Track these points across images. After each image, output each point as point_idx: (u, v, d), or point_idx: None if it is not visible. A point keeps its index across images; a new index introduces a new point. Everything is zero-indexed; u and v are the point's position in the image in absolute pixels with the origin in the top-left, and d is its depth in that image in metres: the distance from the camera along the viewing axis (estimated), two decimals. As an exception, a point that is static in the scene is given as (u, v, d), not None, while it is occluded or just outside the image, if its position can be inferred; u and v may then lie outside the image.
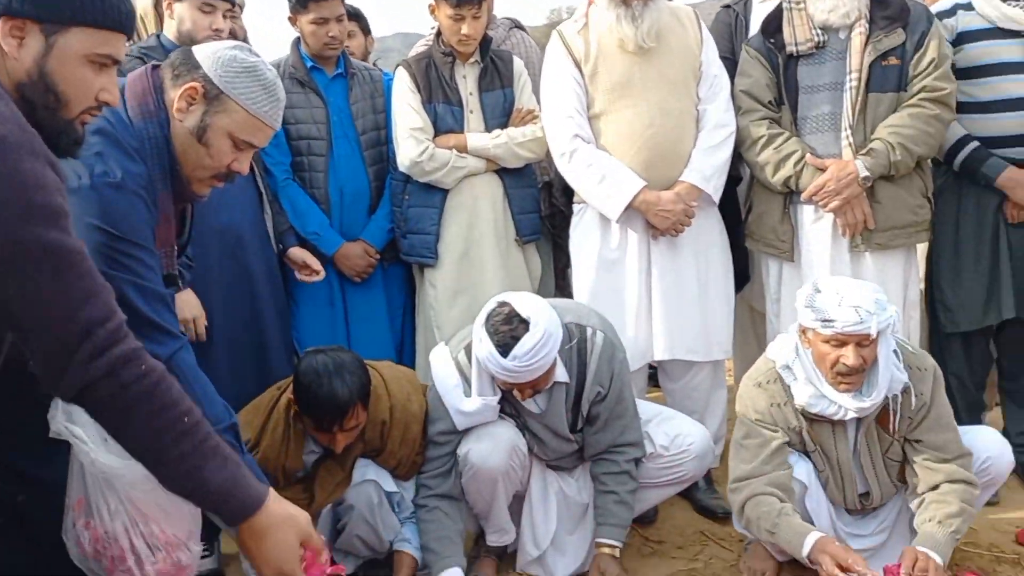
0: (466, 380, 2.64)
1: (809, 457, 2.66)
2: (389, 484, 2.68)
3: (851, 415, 2.51)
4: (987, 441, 2.64)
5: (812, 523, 2.59)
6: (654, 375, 3.52)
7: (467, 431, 2.68)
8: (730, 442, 2.74)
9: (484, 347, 2.47)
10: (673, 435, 2.80)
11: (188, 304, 2.62)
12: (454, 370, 2.65)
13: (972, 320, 3.14)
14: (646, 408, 2.93)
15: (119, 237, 1.73)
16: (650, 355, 3.15)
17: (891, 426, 2.56)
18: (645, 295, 3.12)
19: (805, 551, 2.42)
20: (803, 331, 2.54)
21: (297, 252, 3.13)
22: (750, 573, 2.80)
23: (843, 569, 2.31)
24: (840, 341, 2.42)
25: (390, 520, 2.68)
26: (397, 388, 2.63)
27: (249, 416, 2.57)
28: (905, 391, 2.52)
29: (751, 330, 3.73)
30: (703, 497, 3.23)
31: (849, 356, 2.41)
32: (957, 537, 2.43)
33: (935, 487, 2.51)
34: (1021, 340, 3.18)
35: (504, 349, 2.42)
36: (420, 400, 2.68)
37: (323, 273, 3.08)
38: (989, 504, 3.00)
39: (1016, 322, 3.13)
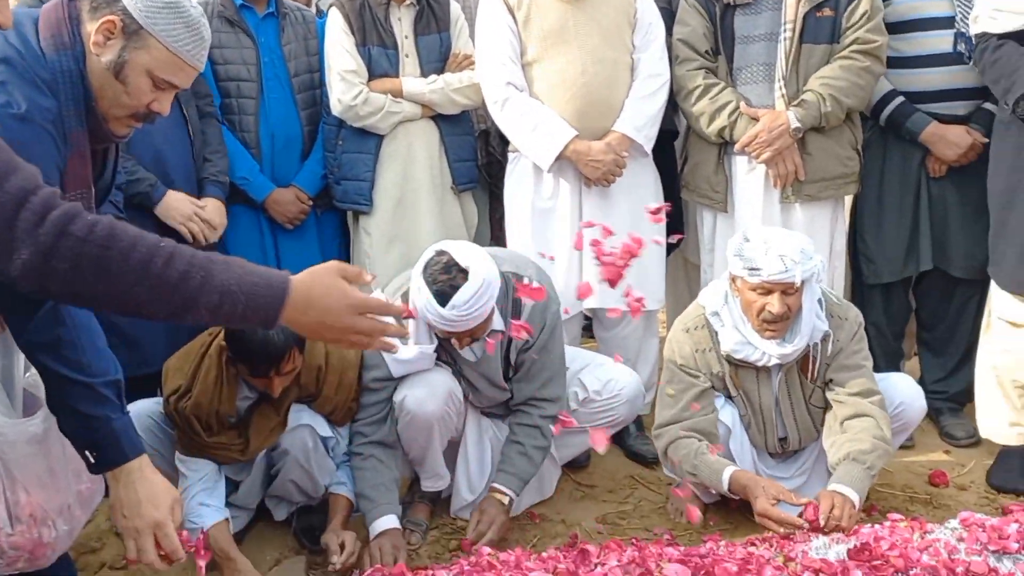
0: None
1: (732, 401, 2.74)
2: (324, 429, 2.66)
3: (774, 361, 2.58)
4: (900, 388, 2.74)
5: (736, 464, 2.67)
6: (589, 326, 3.55)
7: (403, 378, 2.67)
8: (657, 388, 2.80)
9: (422, 296, 2.46)
10: (605, 380, 2.84)
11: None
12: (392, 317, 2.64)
13: (892, 271, 3.25)
14: (579, 355, 2.96)
15: None
16: (582, 303, 3.18)
17: (811, 373, 2.64)
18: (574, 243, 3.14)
19: (724, 486, 2.53)
20: (732, 279, 2.60)
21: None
22: (677, 514, 2.89)
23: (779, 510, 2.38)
24: (766, 289, 2.48)
25: (325, 464, 2.68)
26: None
27: (179, 363, 2.53)
28: (825, 339, 2.61)
29: (684, 283, 3.80)
30: (634, 443, 3.29)
31: (775, 304, 2.47)
32: (872, 473, 2.53)
33: (845, 420, 2.59)
34: (939, 291, 3.29)
35: (443, 298, 2.42)
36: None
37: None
38: (905, 448, 3.13)
39: (934, 274, 3.25)
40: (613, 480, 3.17)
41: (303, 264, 3.28)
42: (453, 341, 2.57)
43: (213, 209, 3.01)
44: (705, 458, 2.58)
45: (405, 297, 2.61)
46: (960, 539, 1.97)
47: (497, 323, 2.63)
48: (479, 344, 2.67)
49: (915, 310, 3.45)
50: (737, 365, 2.67)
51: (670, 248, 3.46)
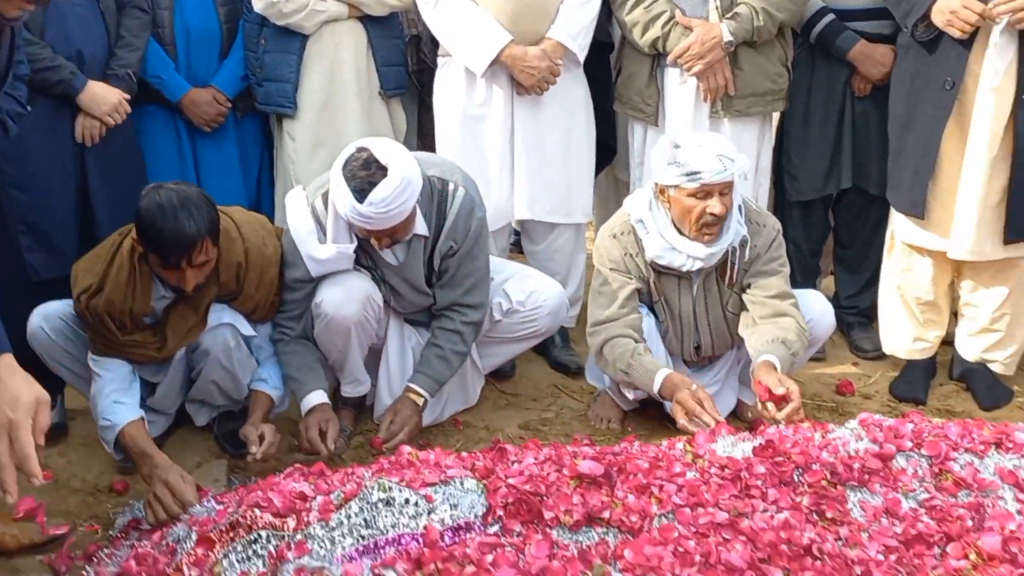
0: (321, 227, 2.59)
1: (651, 309, 2.79)
2: (246, 328, 2.63)
3: (697, 265, 2.63)
4: (811, 303, 2.81)
5: None
6: (519, 242, 3.56)
7: (321, 279, 2.64)
8: (589, 292, 2.82)
9: (340, 192, 2.42)
10: (529, 291, 2.86)
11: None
12: (309, 216, 2.59)
13: (814, 188, 3.31)
14: (505, 266, 2.97)
15: None
16: (511, 214, 3.17)
17: (728, 277, 2.70)
18: (508, 153, 3.11)
19: (656, 387, 2.58)
20: (661, 190, 2.61)
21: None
22: (597, 420, 2.97)
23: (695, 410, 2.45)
24: (706, 192, 2.51)
25: (248, 364, 2.66)
26: (250, 231, 2.55)
27: (90, 263, 2.46)
28: (743, 244, 2.66)
29: (615, 200, 3.80)
30: (559, 354, 3.35)
31: (715, 205, 2.51)
32: (795, 360, 2.57)
33: (762, 319, 2.64)
34: (856, 210, 3.38)
35: (360, 195, 2.38)
36: (275, 244, 2.62)
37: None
38: (816, 360, 3.26)
39: (853, 192, 3.33)
40: (537, 389, 3.24)
41: (223, 168, 3.28)
42: (372, 241, 2.54)
43: None
44: (642, 359, 2.62)
45: (325, 197, 2.56)
46: (858, 438, 2.06)
47: (420, 227, 2.61)
48: (401, 247, 2.65)
49: (833, 228, 3.54)
50: (660, 272, 2.71)
51: (600, 165, 3.47)
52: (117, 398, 2.44)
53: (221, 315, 2.58)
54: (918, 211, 2.88)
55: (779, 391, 2.38)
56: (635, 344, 2.66)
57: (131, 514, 2.38)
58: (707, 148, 2.49)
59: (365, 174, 2.39)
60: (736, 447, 2.09)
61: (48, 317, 2.53)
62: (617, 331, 2.67)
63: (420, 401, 2.70)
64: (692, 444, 2.13)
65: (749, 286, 2.71)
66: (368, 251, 2.66)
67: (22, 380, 1.59)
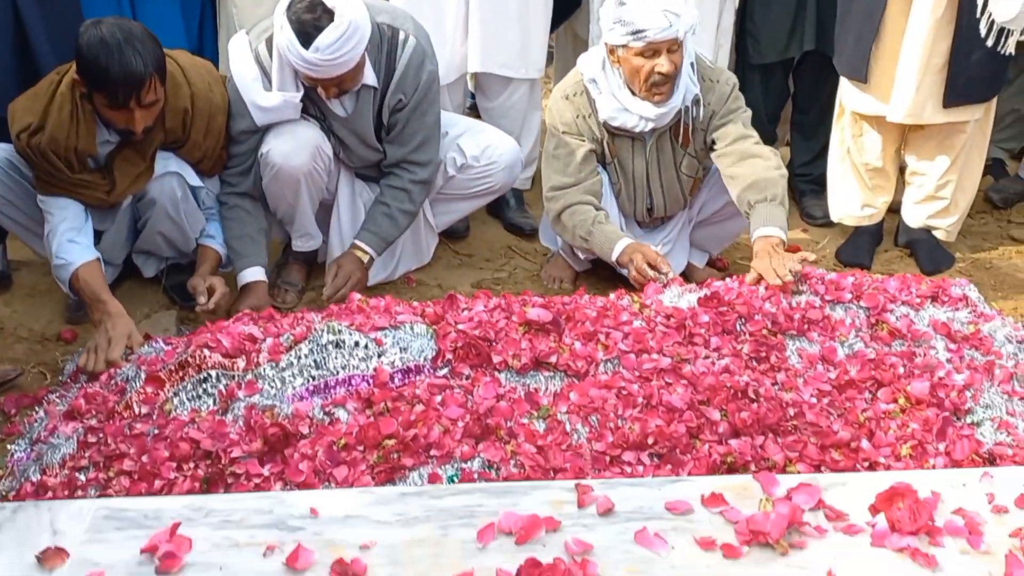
0: (266, 74, 2.50)
1: (605, 169, 2.78)
2: (194, 178, 2.57)
3: (650, 125, 2.61)
4: None
5: None
6: (475, 106, 3.48)
7: (269, 130, 2.57)
8: (543, 156, 2.79)
9: (284, 36, 2.32)
10: (484, 146, 2.82)
11: None
12: (252, 62, 2.50)
13: (776, 51, 3.27)
14: (459, 121, 2.91)
15: None
16: (464, 66, 3.09)
17: (683, 137, 2.69)
18: (463, 3, 3.00)
19: (615, 255, 2.59)
20: (611, 50, 2.55)
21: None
22: (549, 280, 3.00)
23: (650, 267, 2.47)
24: (653, 50, 2.46)
25: (195, 215, 2.61)
26: (197, 77, 2.46)
27: (28, 102, 2.34)
28: (696, 102, 2.63)
29: (572, 59, 3.71)
30: (513, 215, 3.34)
31: (663, 64, 2.46)
32: (783, 204, 2.49)
33: (734, 165, 2.57)
34: (816, 73, 3.35)
35: (305, 39, 2.28)
36: (222, 92, 2.53)
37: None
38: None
39: (814, 56, 3.29)
40: (491, 250, 3.24)
41: (161, 14, 3.11)
42: (320, 91, 2.46)
43: None
44: (602, 227, 2.62)
45: (270, 43, 2.46)
46: (800, 291, 2.12)
47: (369, 78, 2.53)
48: (349, 98, 2.58)
49: (792, 95, 3.52)
50: (613, 133, 2.68)
51: (557, 20, 3.36)
52: (72, 237, 2.38)
53: (168, 163, 2.51)
54: (860, 75, 2.87)
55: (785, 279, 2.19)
56: (595, 212, 2.65)
57: (78, 361, 2.38)
58: (651, 4, 2.41)
59: (310, 17, 2.28)
60: (682, 298, 2.13)
61: None
62: (577, 198, 2.65)
63: (365, 258, 2.67)
64: (640, 295, 2.17)
65: (713, 145, 2.66)
66: (316, 101, 2.58)
67: None
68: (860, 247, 3.21)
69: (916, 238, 3.19)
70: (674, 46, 2.47)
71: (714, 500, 1.42)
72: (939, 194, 3.05)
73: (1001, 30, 2.67)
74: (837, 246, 3.28)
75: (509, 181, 2.93)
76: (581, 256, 2.85)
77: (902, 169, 3.21)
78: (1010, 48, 2.76)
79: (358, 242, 2.68)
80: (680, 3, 2.45)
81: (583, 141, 2.68)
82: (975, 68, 2.77)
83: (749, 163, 2.55)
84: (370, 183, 2.87)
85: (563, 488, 1.47)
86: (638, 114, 2.58)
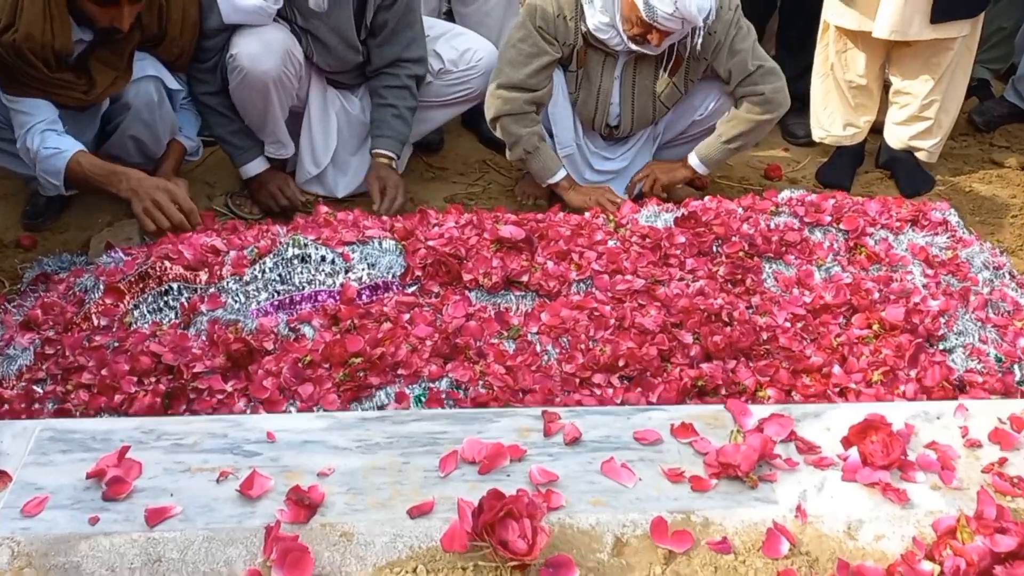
0: None
1: (566, 75, 2.65)
2: (172, 82, 2.47)
3: (628, 49, 2.51)
4: None
5: (552, 128, 2.70)
6: (451, 12, 3.32)
7: (236, 30, 2.45)
8: (504, 41, 2.64)
9: None
10: (462, 50, 2.71)
11: None
12: None
13: (763, -42, 3.15)
14: (435, 24, 2.79)
15: None
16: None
17: (671, 65, 2.58)
18: None
19: (553, 180, 2.61)
20: None
21: None
22: (523, 197, 2.93)
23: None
24: (651, 27, 2.37)
25: (169, 119, 2.51)
26: None
27: (-2, -1, 2.20)
28: (694, 32, 2.51)
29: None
30: (489, 128, 3.24)
31: (655, 39, 2.39)
32: (731, 148, 2.61)
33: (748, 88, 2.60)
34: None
35: None
36: None
37: None
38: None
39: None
40: (465, 164, 3.16)
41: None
42: None
43: None
44: (545, 148, 2.59)
45: None
46: (779, 213, 2.08)
47: None
48: None
49: (779, 7, 3.41)
50: (588, 43, 2.58)
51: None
52: (55, 129, 2.28)
53: (144, 66, 2.40)
54: None
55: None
56: (535, 128, 2.60)
57: (39, 268, 2.31)
58: (678, 8, 2.30)
59: None
60: (659, 217, 2.08)
61: None
62: (520, 108, 2.57)
63: (393, 164, 2.64)
64: (616, 214, 2.12)
65: (726, 70, 2.58)
66: (290, 4, 2.45)
67: None
68: (840, 168, 3.16)
69: (897, 159, 3.14)
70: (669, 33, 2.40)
71: (684, 430, 1.39)
72: (923, 114, 2.99)
73: (991, -58, 2.58)
74: (817, 166, 3.24)
75: (486, 87, 2.82)
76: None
77: (886, 87, 3.14)
78: (999, -40, 2.69)
79: (380, 150, 2.65)
80: (699, 7, 2.34)
81: (551, 48, 2.55)
82: (963, -17, 2.69)
83: (751, 106, 2.61)
84: (342, 90, 2.76)
85: (529, 415, 1.43)
86: (623, 38, 2.48)
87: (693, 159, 2.60)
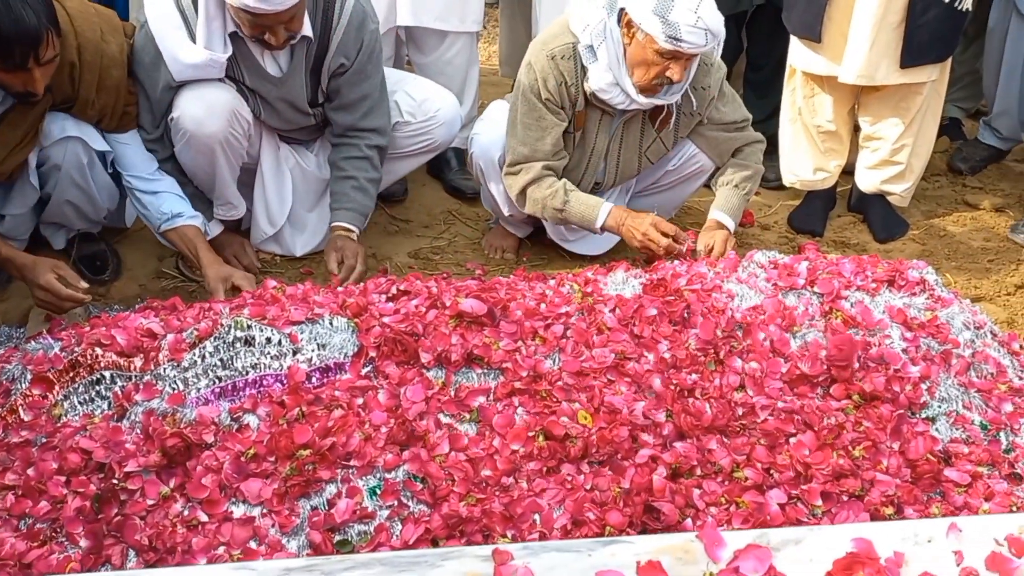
0: (188, 25, 2.26)
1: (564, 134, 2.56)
2: (98, 142, 2.33)
3: (633, 107, 2.43)
4: None
5: None
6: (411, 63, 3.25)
7: (179, 90, 2.34)
8: (509, 123, 2.53)
9: None
10: (420, 100, 2.62)
11: None
12: (173, 10, 2.25)
13: (727, 4, 3.06)
14: (391, 74, 2.68)
15: None
16: (394, 18, 2.86)
17: (659, 122, 2.52)
18: None
19: (600, 221, 2.46)
20: (628, 23, 2.31)
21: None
22: (491, 249, 2.84)
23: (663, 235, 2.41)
24: (674, 56, 2.27)
25: (103, 181, 2.39)
26: (86, 24, 2.20)
27: None
28: (692, 90, 2.47)
29: (517, 7, 3.50)
30: (454, 177, 3.15)
31: (676, 72, 2.29)
32: (747, 197, 2.62)
33: (736, 152, 2.64)
34: (769, 28, 3.19)
35: None
36: (120, 41, 2.27)
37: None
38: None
39: (767, 11, 3.13)
40: (430, 215, 3.06)
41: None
42: (268, 37, 2.23)
43: None
44: (577, 195, 2.47)
45: None
46: (752, 275, 1.98)
47: (307, 28, 2.31)
48: (284, 54, 2.36)
49: (745, 49, 3.36)
50: (588, 103, 2.48)
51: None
52: None
53: (64, 126, 2.27)
54: (814, 34, 2.73)
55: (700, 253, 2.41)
56: (563, 181, 2.48)
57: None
58: (700, 17, 2.21)
59: None
60: (627, 284, 1.98)
61: None
62: (540, 172, 2.47)
63: (354, 236, 2.49)
64: (584, 283, 2.01)
65: (716, 123, 2.59)
66: (240, 62, 2.35)
67: None
68: (812, 213, 3.09)
69: (869, 202, 3.09)
70: (693, 58, 2.32)
71: (651, 569, 1.23)
72: (894, 158, 2.93)
73: (959, -15, 2.54)
74: (789, 208, 3.17)
75: (448, 138, 2.74)
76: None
77: (856, 128, 3.09)
78: (967, 4, 2.64)
79: (341, 223, 2.49)
80: (721, 23, 2.27)
81: (559, 117, 2.46)
82: (933, 26, 2.65)
83: (749, 152, 2.65)
84: (295, 146, 2.66)
85: (477, 556, 1.26)
86: (629, 95, 2.38)
87: (726, 219, 2.54)
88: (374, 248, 2.83)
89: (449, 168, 3.16)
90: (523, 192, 2.51)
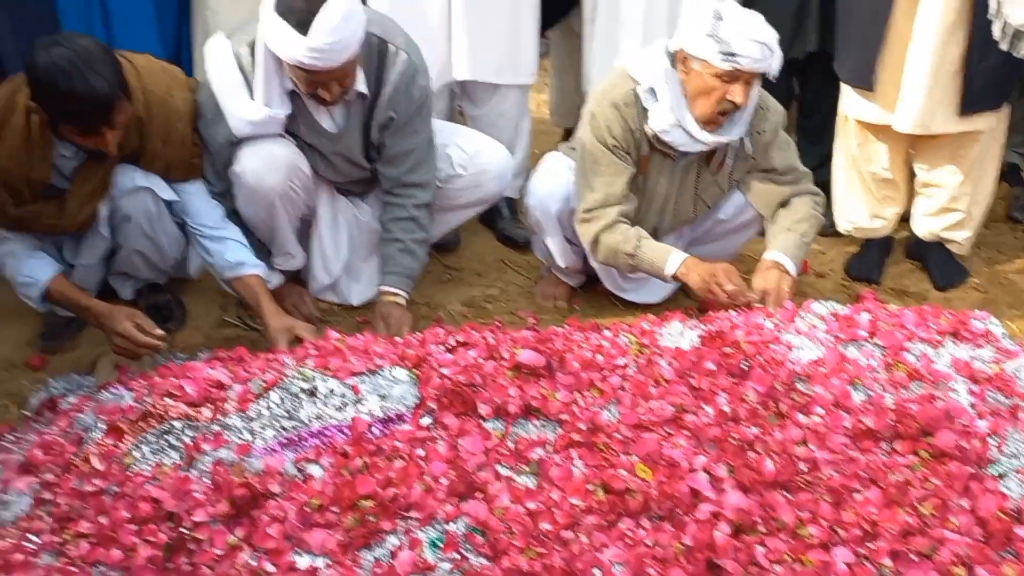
0: (248, 83, 2.34)
1: None
2: (166, 192, 2.40)
3: (696, 148, 2.43)
4: None
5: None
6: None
7: (240, 145, 2.41)
8: (577, 169, 2.55)
9: (279, 34, 2.15)
10: (472, 153, 2.65)
11: None
12: (235, 68, 2.33)
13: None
14: (443, 128, 2.73)
15: None
16: (449, 74, 2.92)
17: (714, 164, 2.52)
18: (445, 5, 2.83)
19: (670, 269, 2.42)
20: (684, 59, 2.34)
21: None
22: (544, 298, 2.85)
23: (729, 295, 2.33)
24: (734, 77, 2.27)
25: (171, 231, 2.45)
26: (153, 81, 2.28)
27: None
28: (749, 134, 2.47)
29: (567, 55, 3.55)
30: (506, 226, 3.19)
31: (737, 94, 2.27)
32: (806, 241, 2.53)
33: (784, 204, 2.57)
34: (821, 76, 3.17)
35: (303, 28, 2.12)
36: (185, 97, 2.36)
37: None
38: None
39: (819, 57, 3.13)
40: (482, 264, 3.10)
41: (132, 18, 2.93)
42: (321, 92, 2.29)
43: None
44: (648, 242, 2.45)
45: (252, 47, 2.29)
46: (811, 327, 1.97)
47: (360, 84, 2.37)
48: (340, 110, 2.42)
49: (797, 96, 3.36)
50: (652, 148, 2.48)
51: (549, 20, 3.19)
52: (30, 254, 2.29)
53: (134, 177, 2.34)
54: (866, 83, 2.72)
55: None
56: (635, 229, 2.47)
57: (46, 392, 2.24)
58: (752, 31, 2.22)
59: (303, 5, 2.13)
60: (683, 336, 1.98)
61: None
62: (614, 218, 2.46)
63: (401, 302, 2.51)
64: (640, 333, 2.02)
65: (771, 171, 2.55)
66: (299, 120, 2.42)
67: None
68: (869, 261, 3.06)
69: (928, 249, 3.04)
70: (755, 79, 2.30)
71: None
72: (953, 206, 2.89)
73: (1016, 33, 2.51)
74: (846, 255, 3.14)
75: (500, 190, 2.77)
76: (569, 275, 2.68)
77: (913, 174, 3.06)
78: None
79: (387, 288, 2.52)
80: (775, 37, 2.26)
81: (628, 162, 2.47)
82: (990, 74, 2.62)
83: (799, 202, 2.57)
84: (351, 198, 2.72)
85: None
86: (693, 135, 2.38)
87: (783, 259, 2.46)
88: (427, 297, 2.87)
89: (501, 217, 3.20)
90: (596, 239, 2.50)
